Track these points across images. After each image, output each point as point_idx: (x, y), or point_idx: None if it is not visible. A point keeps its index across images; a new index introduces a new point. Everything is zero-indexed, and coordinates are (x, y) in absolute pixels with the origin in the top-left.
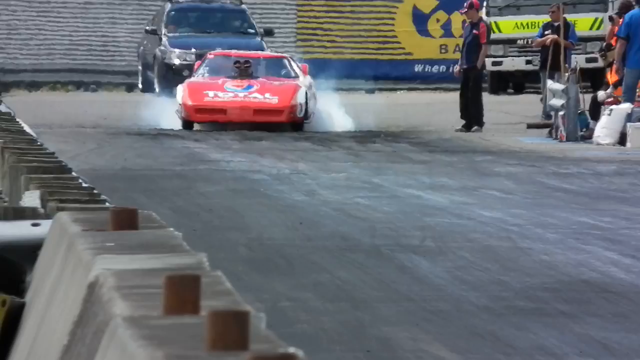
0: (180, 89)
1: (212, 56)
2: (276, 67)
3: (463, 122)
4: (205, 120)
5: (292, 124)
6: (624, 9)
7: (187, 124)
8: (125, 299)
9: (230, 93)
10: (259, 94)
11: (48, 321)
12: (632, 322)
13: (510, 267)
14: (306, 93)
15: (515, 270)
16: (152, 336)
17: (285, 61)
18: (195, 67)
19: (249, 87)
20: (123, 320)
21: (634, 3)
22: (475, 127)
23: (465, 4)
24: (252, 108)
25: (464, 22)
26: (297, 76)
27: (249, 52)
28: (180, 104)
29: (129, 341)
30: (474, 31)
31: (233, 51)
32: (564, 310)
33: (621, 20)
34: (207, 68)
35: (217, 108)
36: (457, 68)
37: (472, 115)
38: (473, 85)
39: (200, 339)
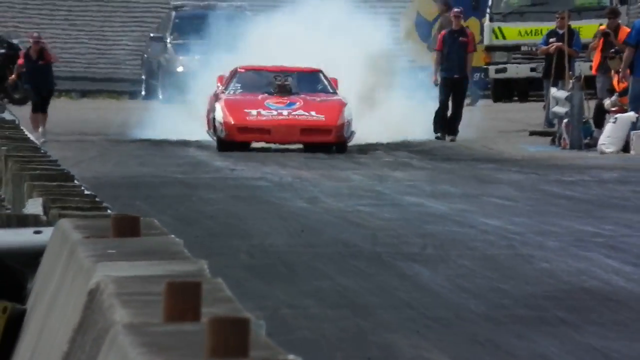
0: (218, 107)
1: (242, 70)
2: (311, 81)
3: (437, 128)
4: (248, 140)
5: (338, 144)
6: (611, 14)
7: (226, 145)
8: (125, 306)
9: (273, 111)
10: (304, 112)
11: (49, 328)
12: (633, 330)
13: (511, 275)
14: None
15: (516, 278)
16: (152, 343)
17: (321, 75)
18: (219, 81)
19: (292, 104)
20: (123, 327)
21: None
22: (452, 137)
23: (456, 10)
24: (299, 127)
25: (448, 30)
26: (334, 92)
27: (280, 65)
28: (220, 123)
29: (129, 348)
30: (461, 39)
31: (264, 65)
32: (564, 318)
33: (604, 26)
34: (239, 84)
35: (262, 127)
36: (434, 77)
37: (456, 124)
38: (463, 94)
39: (200, 346)
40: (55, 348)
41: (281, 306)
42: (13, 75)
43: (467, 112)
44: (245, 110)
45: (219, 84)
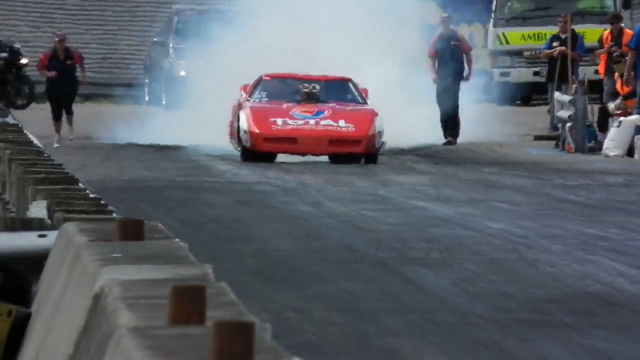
0: (243, 115)
1: (267, 78)
2: (340, 90)
3: (446, 134)
4: (273, 151)
5: (367, 155)
6: (614, 19)
7: (250, 155)
8: (130, 310)
9: (299, 120)
10: (332, 121)
11: (53, 331)
12: (637, 333)
13: (516, 279)
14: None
15: (521, 282)
16: (157, 347)
17: (350, 84)
18: (242, 89)
19: (319, 113)
20: (128, 330)
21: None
22: (453, 139)
23: (445, 15)
24: (327, 138)
25: (439, 35)
26: (365, 102)
27: (307, 73)
28: (245, 132)
29: (134, 351)
30: (453, 42)
31: (289, 73)
32: (569, 322)
33: (608, 32)
34: (264, 92)
35: (288, 137)
36: (433, 75)
37: (456, 126)
38: (455, 97)
39: (205, 349)
40: (60, 351)
41: (285, 310)
42: (49, 72)
43: (469, 115)
44: (271, 119)
45: (242, 92)
